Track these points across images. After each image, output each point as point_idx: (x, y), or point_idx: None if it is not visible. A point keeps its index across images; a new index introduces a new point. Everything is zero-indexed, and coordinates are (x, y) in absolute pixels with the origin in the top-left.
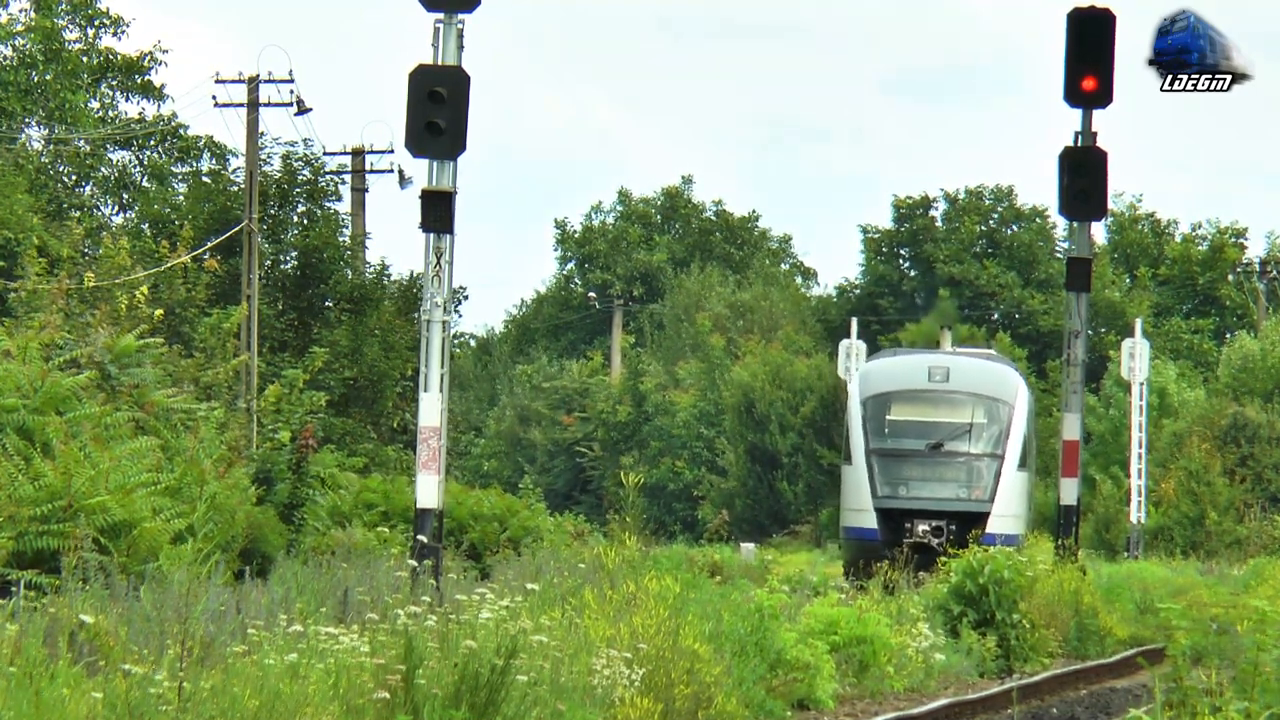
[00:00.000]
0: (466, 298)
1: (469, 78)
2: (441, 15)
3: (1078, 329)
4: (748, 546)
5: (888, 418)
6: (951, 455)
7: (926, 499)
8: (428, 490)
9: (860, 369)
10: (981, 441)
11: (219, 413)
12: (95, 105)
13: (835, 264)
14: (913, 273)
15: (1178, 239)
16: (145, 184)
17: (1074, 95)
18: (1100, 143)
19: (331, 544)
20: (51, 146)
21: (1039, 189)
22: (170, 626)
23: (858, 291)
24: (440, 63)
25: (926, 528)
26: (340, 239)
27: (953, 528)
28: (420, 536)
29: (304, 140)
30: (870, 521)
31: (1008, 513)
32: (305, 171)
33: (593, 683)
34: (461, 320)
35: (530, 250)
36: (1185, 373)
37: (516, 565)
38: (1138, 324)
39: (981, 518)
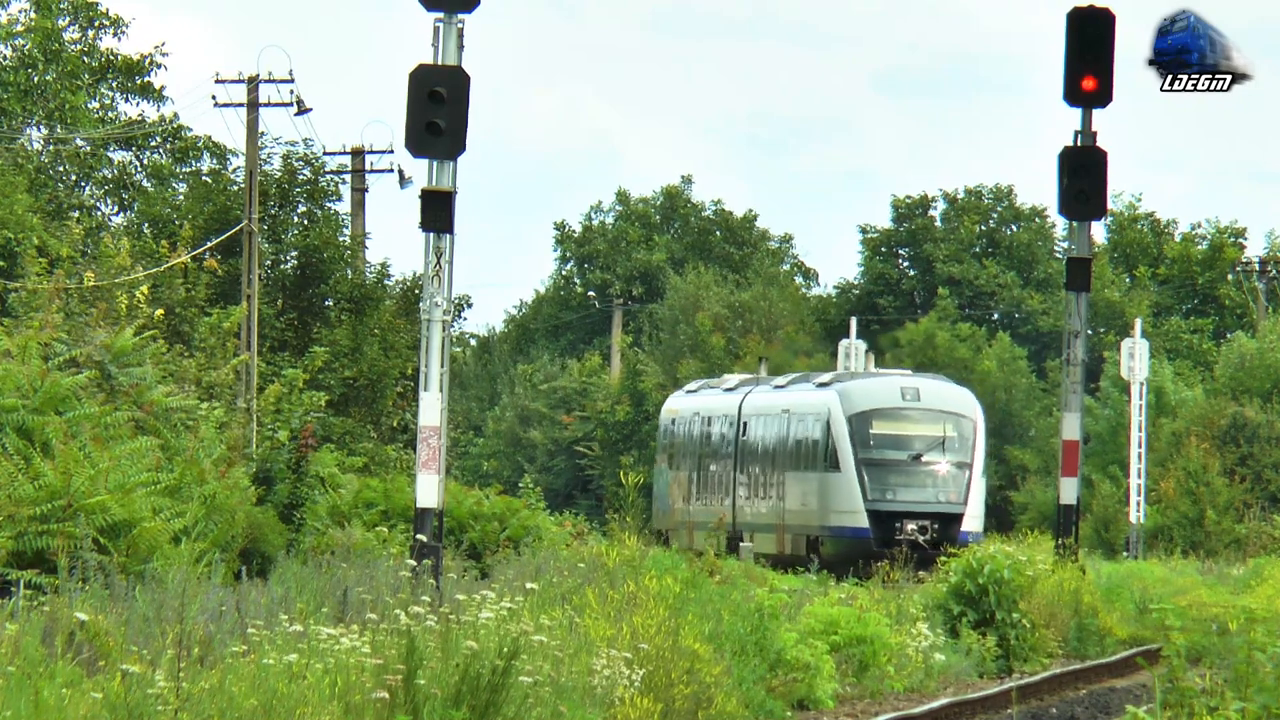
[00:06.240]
0: (471, 305)
1: (469, 78)
2: (441, 15)
3: (1077, 329)
4: (746, 545)
5: (871, 432)
6: (930, 464)
7: (912, 502)
8: (428, 490)
9: (837, 390)
10: (954, 453)
11: (219, 412)
12: (95, 106)
13: (834, 264)
14: (912, 272)
15: (1177, 239)
16: (145, 184)
17: (1074, 95)
18: (1100, 142)
19: (331, 544)
20: (51, 146)
21: (1039, 189)
22: (169, 626)
23: (857, 291)
24: (440, 63)
25: (914, 526)
26: (340, 239)
27: (935, 526)
28: (420, 536)
29: (304, 140)
30: (862, 521)
31: (976, 513)
32: (305, 171)
33: (593, 683)
34: (464, 321)
35: (530, 250)
36: (1183, 372)
37: (516, 565)
38: (1137, 324)
39: (958, 518)
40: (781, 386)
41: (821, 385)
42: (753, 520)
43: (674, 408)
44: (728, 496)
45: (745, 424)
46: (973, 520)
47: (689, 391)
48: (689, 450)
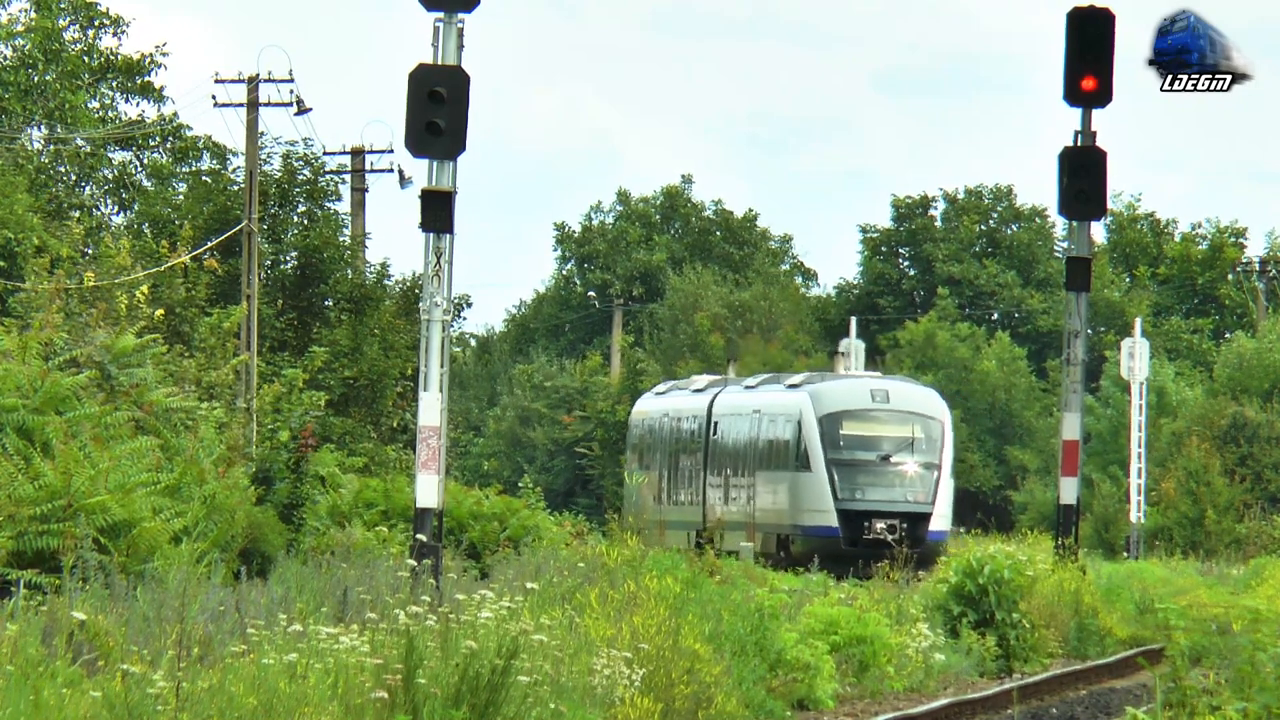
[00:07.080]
0: (471, 305)
1: (469, 77)
2: (441, 15)
3: (1077, 329)
4: (746, 545)
5: (841, 433)
6: (899, 465)
7: (881, 501)
8: (427, 490)
9: (808, 391)
10: (922, 454)
11: (219, 412)
12: (95, 106)
13: (834, 263)
14: (912, 272)
15: (1177, 239)
16: (145, 184)
17: (1074, 95)
18: (1100, 142)
19: (331, 544)
20: (51, 146)
21: (1038, 189)
22: (169, 626)
23: (857, 291)
24: (440, 63)
25: (883, 525)
26: (340, 239)
27: (904, 526)
28: (420, 536)
29: (304, 140)
30: (832, 520)
31: (944, 513)
32: (305, 171)
33: (593, 683)
34: (464, 321)
35: (530, 250)
36: (1183, 372)
37: (516, 565)
38: (1137, 324)
39: (926, 518)
40: (752, 387)
41: (792, 386)
42: (723, 519)
43: (643, 409)
44: (698, 496)
45: (715, 424)
46: (940, 520)
47: (658, 393)
48: (659, 450)
